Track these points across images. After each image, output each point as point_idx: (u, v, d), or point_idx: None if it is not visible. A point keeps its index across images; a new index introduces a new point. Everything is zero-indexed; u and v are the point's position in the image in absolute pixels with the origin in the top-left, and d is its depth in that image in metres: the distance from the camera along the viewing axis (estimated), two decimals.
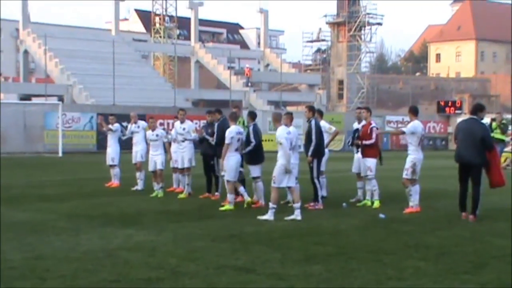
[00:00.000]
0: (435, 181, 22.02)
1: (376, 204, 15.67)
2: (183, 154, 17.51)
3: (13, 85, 63.09)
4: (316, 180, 15.54)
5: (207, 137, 16.81)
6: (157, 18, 78.74)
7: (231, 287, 8.12)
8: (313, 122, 15.70)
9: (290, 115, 15.26)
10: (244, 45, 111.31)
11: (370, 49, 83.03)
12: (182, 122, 17.62)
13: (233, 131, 15.20)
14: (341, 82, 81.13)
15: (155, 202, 16.70)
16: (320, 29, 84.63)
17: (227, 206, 15.06)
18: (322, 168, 17.03)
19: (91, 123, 42.82)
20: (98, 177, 22.25)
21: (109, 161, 20.47)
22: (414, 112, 15.38)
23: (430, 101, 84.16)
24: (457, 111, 59.90)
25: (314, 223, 13.17)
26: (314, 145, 15.49)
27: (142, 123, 19.59)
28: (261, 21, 78.32)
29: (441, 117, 61.14)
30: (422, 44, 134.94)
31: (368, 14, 78.33)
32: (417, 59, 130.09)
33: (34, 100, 54.16)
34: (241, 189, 15.66)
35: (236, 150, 15.31)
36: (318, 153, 15.66)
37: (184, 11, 77.67)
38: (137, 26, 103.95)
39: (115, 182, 20.21)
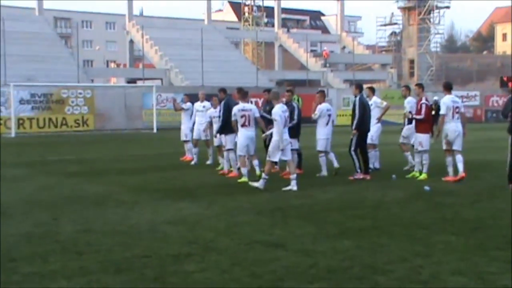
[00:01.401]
0: (488, 152, 20.48)
1: (423, 176, 14.43)
2: None
3: (121, 71, 63.79)
4: (353, 152, 14.60)
5: (265, 114, 15.88)
6: (246, 8, 78.20)
7: (254, 264, 7.20)
8: (357, 99, 14.66)
9: (322, 93, 14.76)
10: (325, 30, 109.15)
11: (439, 31, 79.78)
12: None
13: (236, 108, 14.35)
14: (412, 62, 78.41)
15: (219, 175, 15.77)
16: (392, 13, 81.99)
17: (243, 179, 14.21)
18: (375, 141, 16.01)
19: (183, 102, 42.28)
20: (178, 151, 21.54)
21: (182, 137, 19.83)
22: (446, 87, 14.49)
23: (496, 77, 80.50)
24: None
25: (360, 196, 12.09)
26: (357, 119, 14.55)
27: (207, 103, 18.72)
28: (338, 8, 76.42)
29: (504, 91, 58.16)
30: (489, 25, 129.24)
31: None
32: (485, 39, 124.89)
33: (139, 83, 54.49)
34: (255, 162, 14.64)
35: (243, 125, 14.27)
36: (361, 127, 14.59)
37: (270, 1, 76.69)
38: (231, 16, 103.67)
39: (188, 156, 19.54)
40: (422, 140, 14.58)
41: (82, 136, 35.93)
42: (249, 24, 76.56)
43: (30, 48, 49.92)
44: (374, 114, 15.87)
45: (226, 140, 15.44)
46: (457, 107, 14.12)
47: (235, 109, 14.42)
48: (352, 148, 14.61)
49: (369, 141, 15.88)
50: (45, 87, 39.19)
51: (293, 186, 12.91)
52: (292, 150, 14.61)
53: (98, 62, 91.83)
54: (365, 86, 16.71)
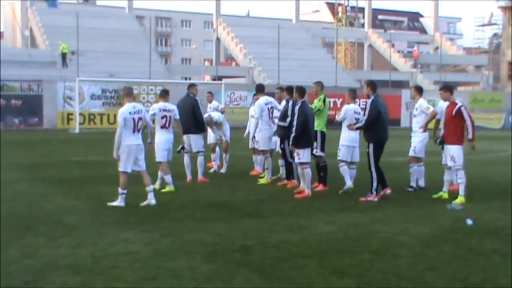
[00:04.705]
0: None
1: (459, 200, 10.83)
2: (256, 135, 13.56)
3: (205, 68, 62.41)
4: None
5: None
6: (340, 8, 74.92)
7: None
8: (290, 103, 11.92)
9: (351, 92, 11.39)
10: (423, 31, 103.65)
11: None
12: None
13: (156, 107, 11.98)
14: (510, 64, 71.88)
15: (219, 191, 12.32)
16: (491, 13, 75.72)
17: (168, 188, 11.78)
18: (419, 154, 12.41)
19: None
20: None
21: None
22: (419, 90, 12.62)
23: None
24: None
25: (369, 231, 8.59)
26: (293, 132, 11.47)
27: (215, 103, 15.98)
28: (432, 8, 71.20)
29: None
30: None
31: None
32: None
33: (224, 80, 52.13)
34: (169, 177, 11.93)
35: (162, 127, 11.90)
36: (301, 141, 11.46)
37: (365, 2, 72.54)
38: (327, 16, 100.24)
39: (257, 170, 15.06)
40: (454, 153, 10.97)
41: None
42: (342, 24, 73.00)
43: (114, 45, 48.50)
44: (419, 120, 12.32)
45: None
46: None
47: (155, 108, 11.97)
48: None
49: (411, 153, 12.39)
50: (116, 83, 37.29)
51: (151, 199, 10.40)
52: (300, 163, 11.44)
53: (195, 60, 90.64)
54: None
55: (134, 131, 10.27)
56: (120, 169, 10.35)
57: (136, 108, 10.37)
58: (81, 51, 42.80)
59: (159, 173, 12.23)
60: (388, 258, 7.14)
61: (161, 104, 12.06)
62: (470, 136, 10.96)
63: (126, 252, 7.26)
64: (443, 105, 11.68)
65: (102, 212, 9.78)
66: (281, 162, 13.48)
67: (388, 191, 11.26)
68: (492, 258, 7.20)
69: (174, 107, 12.20)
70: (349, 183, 11.89)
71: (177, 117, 12.18)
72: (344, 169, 11.92)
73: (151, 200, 10.41)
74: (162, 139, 11.88)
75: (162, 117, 11.90)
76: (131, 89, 10.80)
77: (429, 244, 7.86)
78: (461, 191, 10.97)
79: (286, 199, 11.28)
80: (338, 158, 12.07)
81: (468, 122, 10.85)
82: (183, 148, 12.84)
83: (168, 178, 11.91)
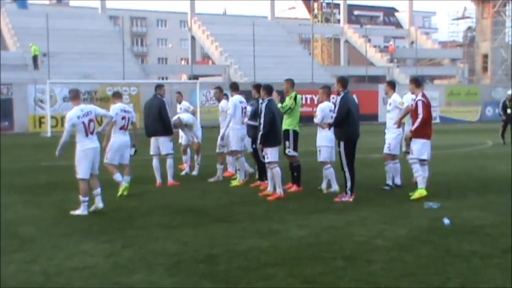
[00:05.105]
0: None
1: (418, 193, 10.69)
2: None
3: (180, 67, 61.68)
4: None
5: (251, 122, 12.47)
6: (315, 5, 74.69)
7: None
8: (260, 101, 11.47)
9: (325, 89, 11.04)
10: (398, 26, 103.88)
11: None
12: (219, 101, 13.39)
13: (117, 107, 11.63)
14: (485, 56, 72.17)
15: (189, 195, 11.88)
16: (465, 7, 75.82)
17: (123, 186, 11.45)
18: (394, 151, 12.04)
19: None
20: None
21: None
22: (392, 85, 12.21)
23: None
24: None
25: (344, 235, 8.18)
26: (261, 131, 11.11)
27: (185, 103, 15.74)
28: (407, 3, 71.19)
29: None
30: None
31: None
32: None
33: (200, 79, 51.52)
34: (117, 175, 11.57)
35: (121, 128, 11.45)
36: (268, 140, 11.09)
37: None
38: (304, 13, 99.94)
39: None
40: (414, 146, 10.87)
41: None
42: (318, 21, 72.77)
43: (88, 45, 47.68)
44: (393, 116, 11.93)
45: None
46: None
47: (116, 109, 11.57)
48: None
49: (386, 150, 12.02)
50: (89, 84, 36.56)
51: (98, 203, 9.92)
52: (268, 163, 11.06)
53: (171, 60, 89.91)
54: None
55: (87, 135, 9.77)
56: (78, 176, 9.84)
57: (85, 110, 9.85)
58: (53, 53, 42.03)
59: (124, 177, 11.71)
60: (362, 264, 6.73)
61: (121, 105, 11.82)
62: (412, 127, 10.78)
63: (83, 266, 6.76)
64: (408, 97, 11.59)
65: (63, 222, 9.26)
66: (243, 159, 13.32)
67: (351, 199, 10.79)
68: (471, 260, 6.81)
69: (131, 109, 12.03)
70: (335, 187, 11.53)
71: (134, 120, 11.95)
72: (330, 172, 11.55)
73: (98, 203, 9.93)
74: (118, 140, 11.54)
75: (122, 118, 11.60)
76: (77, 91, 10.16)
77: (406, 247, 7.45)
78: (419, 184, 10.81)
79: (258, 202, 10.87)
80: (320, 160, 11.66)
81: (420, 117, 10.62)
82: (136, 151, 12.29)
83: (117, 176, 11.47)
